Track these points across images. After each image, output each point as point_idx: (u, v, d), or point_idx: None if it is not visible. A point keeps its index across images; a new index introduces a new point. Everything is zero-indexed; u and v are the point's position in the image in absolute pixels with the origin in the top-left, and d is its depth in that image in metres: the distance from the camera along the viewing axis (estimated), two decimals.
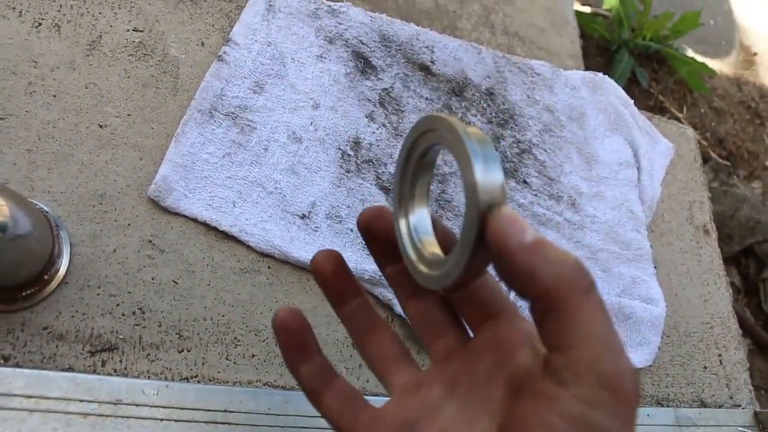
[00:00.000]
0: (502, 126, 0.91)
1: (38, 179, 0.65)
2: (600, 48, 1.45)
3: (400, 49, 0.87)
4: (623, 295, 0.90)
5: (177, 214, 0.69)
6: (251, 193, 0.72)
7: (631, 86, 1.33)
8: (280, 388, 0.67)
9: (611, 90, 1.01)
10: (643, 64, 1.48)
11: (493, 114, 0.90)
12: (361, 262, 0.73)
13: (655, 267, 0.95)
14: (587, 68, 1.22)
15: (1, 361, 0.59)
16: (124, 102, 0.71)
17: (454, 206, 0.82)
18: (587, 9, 1.65)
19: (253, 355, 0.68)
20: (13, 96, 0.67)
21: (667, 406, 0.89)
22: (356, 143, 0.80)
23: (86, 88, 0.70)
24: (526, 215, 0.87)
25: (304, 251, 0.71)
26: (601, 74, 1.03)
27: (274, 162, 0.75)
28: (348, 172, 0.79)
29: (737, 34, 1.92)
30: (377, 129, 0.82)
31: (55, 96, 0.69)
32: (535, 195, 0.89)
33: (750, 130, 1.83)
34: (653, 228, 1.00)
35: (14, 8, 0.70)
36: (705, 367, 0.96)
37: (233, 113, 0.75)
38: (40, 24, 0.71)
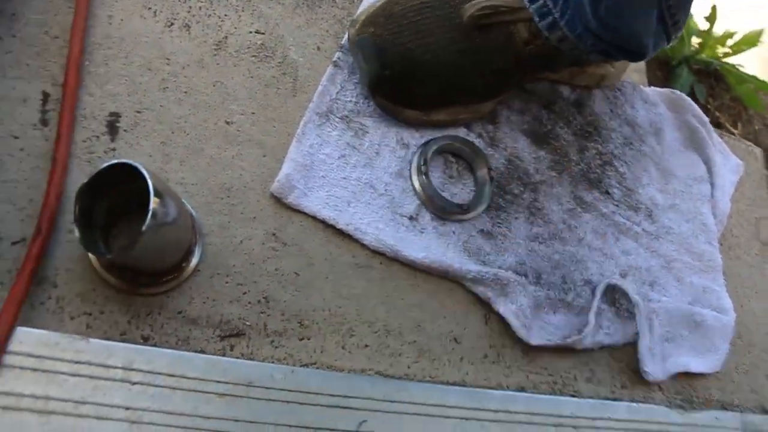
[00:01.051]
0: (587, 138, 0.94)
1: (172, 171, 0.69)
2: (660, 62, 1.48)
3: None
4: (695, 303, 0.93)
5: (297, 211, 0.73)
6: (364, 193, 0.76)
7: None
8: (391, 377, 0.71)
9: (688, 108, 1.05)
10: (702, 80, 1.51)
11: (579, 126, 0.94)
12: (465, 262, 0.77)
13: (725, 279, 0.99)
14: (649, 82, 1.26)
15: (142, 341, 0.62)
16: (248, 101, 0.75)
17: (545, 214, 0.86)
18: None
19: (366, 345, 0.71)
20: (148, 91, 0.71)
21: (732, 411, 0.93)
22: (457, 152, 0.84)
23: (214, 86, 0.74)
24: (608, 224, 0.90)
25: (413, 250, 0.75)
26: (678, 92, 1.07)
27: (385, 165, 0.79)
28: (451, 177, 0.82)
29: None
30: (475, 138, 0.85)
31: (186, 92, 0.73)
32: (617, 205, 0.92)
33: None
34: (722, 241, 1.03)
35: (150, 8, 0.74)
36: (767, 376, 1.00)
37: (347, 117, 0.78)
38: (172, 24, 0.75)
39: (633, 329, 0.85)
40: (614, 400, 0.83)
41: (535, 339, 0.77)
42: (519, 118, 0.90)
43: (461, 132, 0.85)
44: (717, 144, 1.07)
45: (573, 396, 0.80)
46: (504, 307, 0.77)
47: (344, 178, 0.76)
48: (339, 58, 0.81)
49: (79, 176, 0.65)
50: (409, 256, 0.75)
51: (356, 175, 0.77)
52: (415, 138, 0.82)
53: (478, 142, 0.85)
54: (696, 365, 0.88)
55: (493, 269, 0.77)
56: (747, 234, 1.08)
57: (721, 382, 0.93)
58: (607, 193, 0.93)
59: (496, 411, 0.73)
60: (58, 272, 0.61)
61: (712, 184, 1.02)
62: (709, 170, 1.03)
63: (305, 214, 0.73)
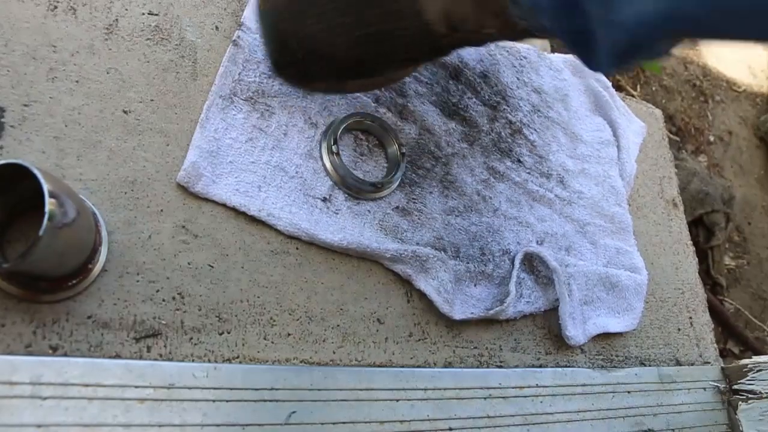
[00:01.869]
0: (495, 108, 0.94)
1: (68, 167, 0.65)
2: None
3: None
4: (610, 265, 0.96)
5: (206, 199, 0.70)
6: (275, 177, 0.74)
7: None
8: (316, 365, 0.70)
9: (590, 72, 1.06)
10: None
11: (487, 96, 0.94)
12: (382, 241, 0.76)
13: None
14: (552, 49, 1.28)
15: (50, 352, 0.58)
16: (146, 87, 0.71)
17: (458, 186, 0.86)
18: None
19: (289, 334, 0.70)
20: (35, 82, 0.66)
21: (649, 366, 0.96)
22: (366, 128, 0.82)
23: (107, 73, 0.70)
24: (522, 192, 0.91)
25: (329, 233, 0.73)
26: None
27: (294, 147, 0.76)
28: (362, 155, 0.81)
29: None
30: (384, 113, 0.84)
31: (77, 81, 0.68)
32: (529, 173, 0.93)
33: (696, 107, 1.94)
34: (630, 202, 1.06)
35: None
36: (678, 329, 1.04)
37: (252, 98, 0.75)
38: (55, 7, 0.69)
39: (553, 295, 0.86)
40: (539, 367, 0.84)
41: (459, 313, 0.77)
42: (427, 90, 0.89)
43: (370, 107, 0.83)
44: (620, 107, 1.09)
45: (500, 367, 0.81)
46: (425, 284, 0.77)
47: (253, 162, 0.73)
48: (239, 37, 0.77)
49: None
50: (326, 239, 0.73)
51: (265, 158, 0.74)
52: (323, 116, 0.80)
53: (387, 116, 0.84)
54: (614, 325, 0.91)
55: (411, 246, 0.77)
56: (652, 193, 1.11)
57: (638, 339, 0.96)
58: (519, 161, 0.93)
59: (425, 389, 0.73)
60: None
61: (618, 147, 1.05)
62: (615, 133, 1.05)
63: (215, 202, 0.70)
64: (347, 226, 0.75)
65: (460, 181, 0.86)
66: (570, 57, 1.08)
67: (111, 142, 0.67)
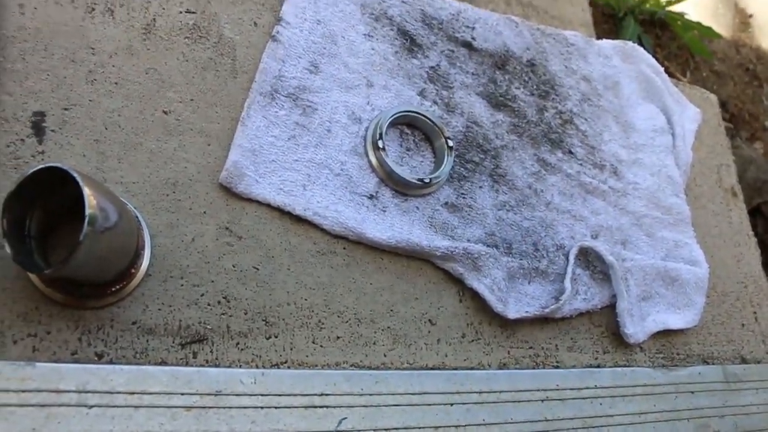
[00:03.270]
0: (544, 98, 0.91)
1: (109, 170, 0.63)
2: (605, 15, 1.46)
3: (441, 28, 0.87)
4: (668, 258, 0.92)
5: (250, 200, 0.68)
6: (319, 175, 0.71)
7: None
8: (366, 368, 0.67)
9: (642, 58, 1.02)
10: (648, 30, 1.49)
11: (535, 86, 0.91)
12: (432, 239, 0.73)
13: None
14: (597, 36, 1.24)
15: (96, 359, 0.57)
16: (185, 86, 0.69)
17: (509, 180, 0.83)
18: None
19: (338, 337, 0.67)
20: (75, 85, 0.65)
21: (713, 364, 0.92)
22: (412, 122, 0.80)
23: (146, 73, 0.68)
24: (575, 185, 0.88)
25: (377, 231, 0.71)
26: (631, 43, 1.04)
27: (338, 143, 0.74)
28: (408, 150, 0.78)
29: None
30: (430, 106, 0.81)
31: (116, 83, 0.66)
32: (581, 164, 0.90)
33: (749, 92, 1.87)
34: (687, 192, 1.01)
35: None
36: (743, 325, 0.99)
37: (293, 94, 0.73)
38: (93, 9, 0.68)
39: (610, 291, 0.82)
40: (597, 367, 0.81)
41: (513, 312, 0.74)
42: (474, 80, 0.86)
43: (415, 100, 0.81)
44: (674, 93, 1.05)
45: (556, 367, 0.78)
46: (477, 282, 0.74)
47: (296, 161, 0.71)
48: (278, 32, 0.75)
49: (6, 185, 0.59)
50: (374, 237, 0.70)
51: (309, 156, 0.72)
52: (366, 111, 0.77)
53: (433, 109, 0.81)
54: (675, 322, 0.87)
55: (462, 243, 0.74)
56: (710, 182, 1.06)
57: (700, 336, 0.92)
58: (571, 152, 0.90)
59: (480, 392, 0.70)
60: None
61: (673, 134, 1.00)
62: (669, 120, 1.00)
63: (258, 203, 0.68)
64: (395, 223, 0.73)
65: (511, 174, 0.83)
66: (619, 43, 1.03)
67: (151, 143, 0.66)
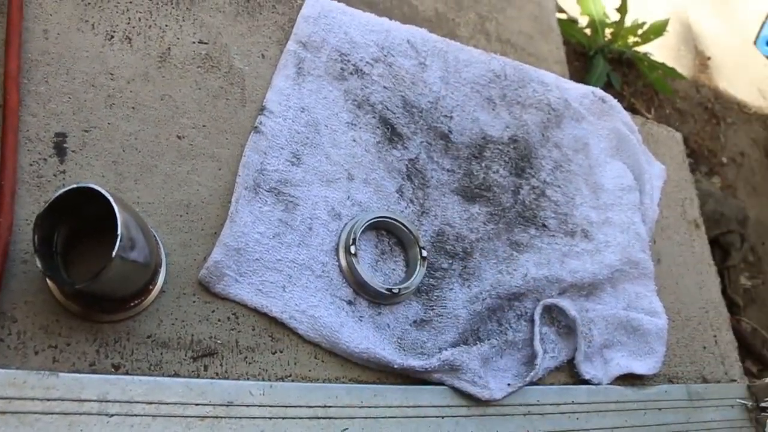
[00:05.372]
0: (520, 175, 0.95)
1: (127, 190, 0.67)
2: (577, 53, 1.54)
3: (422, 116, 0.89)
4: (629, 309, 0.96)
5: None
6: (300, 276, 0.73)
7: (605, 90, 1.43)
8: (365, 382, 0.71)
9: (617, 115, 1.07)
10: (616, 68, 1.58)
11: (513, 165, 0.94)
12: (405, 359, 0.74)
13: (659, 259, 1.04)
14: (570, 74, 1.31)
15: (113, 370, 0.60)
16: (198, 113, 0.73)
17: (479, 274, 0.85)
18: (563, 16, 1.74)
19: (337, 354, 0.71)
20: (94, 109, 0.68)
21: (678, 383, 0.98)
22: (388, 228, 0.82)
23: (162, 99, 0.72)
24: (549, 252, 0.92)
25: (351, 341, 0.71)
26: (609, 97, 1.08)
27: (319, 242, 0.75)
28: (383, 253, 0.81)
29: (692, 39, 2.08)
30: (406, 207, 0.83)
31: (134, 108, 0.70)
32: (553, 236, 0.93)
33: (708, 129, 1.98)
34: (656, 224, 1.08)
35: (87, 21, 0.71)
36: (704, 347, 1.06)
37: (275, 189, 0.74)
38: (112, 37, 0.72)
39: (575, 344, 0.87)
40: (575, 384, 0.86)
41: (498, 392, 0.77)
42: (449, 177, 0.89)
43: (393, 198, 0.83)
44: (645, 151, 1.09)
45: (537, 384, 0.83)
46: (458, 382, 0.75)
47: (279, 260, 0.72)
48: (261, 122, 0.76)
49: (28, 202, 0.62)
50: (347, 348, 0.71)
51: (292, 256, 0.73)
52: (346, 206, 0.79)
53: (409, 210, 0.84)
54: (638, 367, 0.91)
55: (434, 358, 0.75)
56: (675, 214, 1.13)
57: (666, 357, 0.98)
58: (544, 225, 0.94)
59: (468, 406, 0.75)
60: (17, 305, 0.58)
61: (641, 191, 1.05)
62: (639, 177, 1.05)
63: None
64: (369, 336, 0.74)
65: (482, 267, 0.86)
66: (597, 99, 1.07)
67: (166, 166, 0.69)
